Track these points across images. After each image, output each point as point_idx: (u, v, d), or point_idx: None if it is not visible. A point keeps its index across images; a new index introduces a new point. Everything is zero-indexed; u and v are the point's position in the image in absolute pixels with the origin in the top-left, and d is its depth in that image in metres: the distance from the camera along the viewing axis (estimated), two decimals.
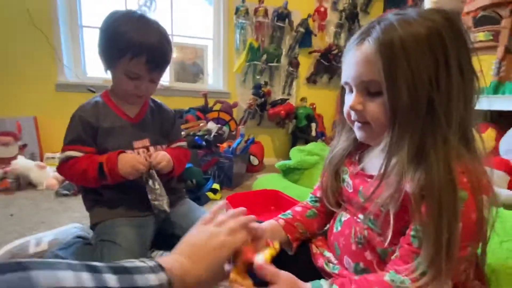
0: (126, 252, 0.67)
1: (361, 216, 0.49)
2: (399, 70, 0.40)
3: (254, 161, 1.91)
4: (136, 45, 0.70)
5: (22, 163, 1.40)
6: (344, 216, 0.53)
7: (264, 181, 1.51)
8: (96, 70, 1.92)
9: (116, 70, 0.75)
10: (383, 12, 2.20)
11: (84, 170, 0.70)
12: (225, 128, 1.72)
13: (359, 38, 0.45)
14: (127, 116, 0.80)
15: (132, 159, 0.72)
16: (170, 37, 0.80)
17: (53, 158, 1.65)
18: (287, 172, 1.49)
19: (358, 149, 0.54)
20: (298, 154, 1.47)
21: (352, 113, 0.47)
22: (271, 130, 2.19)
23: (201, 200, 1.28)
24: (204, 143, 1.54)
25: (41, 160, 1.66)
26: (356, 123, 0.48)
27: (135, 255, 0.68)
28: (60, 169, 0.73)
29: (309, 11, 2.06)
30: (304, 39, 2.07)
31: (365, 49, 0.43)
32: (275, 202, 1.25)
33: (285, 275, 0.41)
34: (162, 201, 0.76)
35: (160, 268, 0.35)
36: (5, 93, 1.67)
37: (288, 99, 2.07)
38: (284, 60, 2.08)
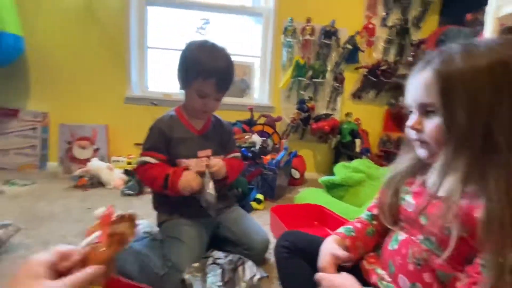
0: (189, 248, 0.75)
1: (420, 236, 0.49)
2: (455, 96, 0.43)
3: (296, 174, 1.93)
4: (207, 69, 0.81)
5: (96, 164, 1.63)
6: (401, 235, 0.53)
7: (307, 195, 1.52)
8: (156, 86, 2.17)
9: (189, 90, 0.87)
10: (438, 27, 2.12)
11: (154, 177, 0.81)
12: (269, 141, 1.79)
13: (422, 66, 0.49)
14: (194, 129, 0.91)
15: (190, 178, 0.81)
16: None
17: (118, 161, 1.88)
18: (330, 188, 1.48)
19: (423, 169, 0.55)
20: (343, 171, 1.46)
21: (412, 132, 0.52)
22: (313, 145, 2.20)
23: (245, 208, 1.35)
24: (249, 154, 1.62)
25: (109, 162, 1.90)
26: (416, 142, 0.52)
27: (196, 252, 0.76)
28: (137, 170, 0.87)
29: (357, 28, 2.07)
30: (351, 55, 2.07)
31: (426, 74, 0.47)
32: (318, 217, 1.26)
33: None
34: (210, 208, 0.84)
35: None
36: (85, 104, 1.97)
37: (332, 114, 2.07)
38: (329, 76, 2.10)
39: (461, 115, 0.42)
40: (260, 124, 1.97)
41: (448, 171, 0.45)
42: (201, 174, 0.84)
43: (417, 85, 0.49)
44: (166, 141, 0.86)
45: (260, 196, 1.49)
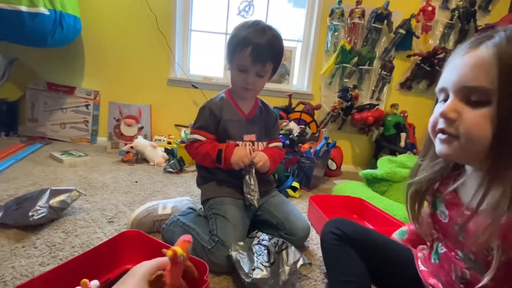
0: (234, 227, 0.77)
1: (460, 253, 0.44)
2: None
3: (332, 165, 1.87)
4: (242, 39, 0.81)
5: (141, 142, 1.72)
6: (441, 248, 0.48)
7: (345, 187, 1.47)
8: (197, 69, 2.21)
9: (232, 66, 0.87)
10: (510, 11, 1.84)
11: (206, 153, 0.84)
12: (308, 130, 1.74)
13: (475, 42, 0.39)
14: (242, 112, 0.91)
15: (241, 153, 0.83)
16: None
17: (159, 140, 1.97)
18: (372, 182, 1.41)
19: (453, 173, 0.47)
20: (387, 165, 1.38)
21: (441, 121, 0.41)
22: (352, 136, 2.11)
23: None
24: (287, 142, 1.59)
25: (151, 141, 2.01)
26: (440, 134, 0.42)
27: (240, 232, 0.78)
28: (187, 146, 0.89)
29: (413, 10, 1.88)
30: (403, 41, 1.90)
31: (480, 52, 0.37)
32: (359, 210, 1.21)
33: None
34: (253, 196, 0.84)
35: None
36: (132, 84, 2.08)
37: (377, 104, 1.95)
38: (376, 64, 1.96)
39: None
40: (298, 111, 1.92)
41: (494, 182, 0.36)
42: (246, 167, 0.85)
43: (465, 65, 0.39)
44: (216, 122, 0.88)
45: (296, 184, 1.47)
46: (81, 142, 2.05)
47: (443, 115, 0.40)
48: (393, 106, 1.97)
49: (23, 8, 1.41)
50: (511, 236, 0.35)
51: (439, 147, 0.43)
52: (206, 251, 0.73)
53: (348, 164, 2.14)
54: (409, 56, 1.94)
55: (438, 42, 1.93)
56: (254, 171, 0.85)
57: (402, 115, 1.97)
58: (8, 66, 1.93)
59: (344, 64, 1.91)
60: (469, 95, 0.38)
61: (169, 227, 0.84)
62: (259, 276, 0.62)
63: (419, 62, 1.92)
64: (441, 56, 1.87)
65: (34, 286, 0.53)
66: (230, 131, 0.87)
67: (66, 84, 2.04)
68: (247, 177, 0.84)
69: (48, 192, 0.90)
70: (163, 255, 0.53)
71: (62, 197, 0.90)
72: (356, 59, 1.92)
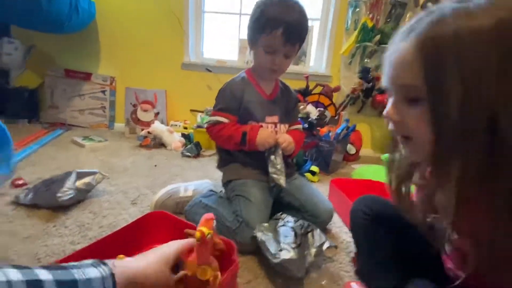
0: (257, 209, 0.76)
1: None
2: (447, 73, 0.29)
3: (351, 150, 1.82)
4: (273, 19, 0.76)
5: (158, 127, 1.73)
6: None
7: (366, 171, 1.43)
8: (211, 52, 2.16)
9: (257, 47, 0.83)
10: None
11: (230, 135, 0.82)
12: (327, 113, 1.68)
13: (403, 35, 0.35)
14: (264, 93, 0.88)
15: (266, 135, 0.81)
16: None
17: (175, 125, 1.98)
18: None
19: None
20: None
21: (390, 125, 0.39)
22: (372, 119, 2.03)
23: None
24: (306, 125, 1.55)
25: (167, 126, 2.01)
26: (397, 136, 0.39)
27: (263, 213, 0.77)
28: (209, 129, 0.87)
29: None
30: None
31: (403, 46, 0.33)
32: (381, 194, 1.17)
33: None
34: (280, 177, 0.82)
35: (101, 262, 0.37)
36: (147, 69, 2.07)
37: None
38: None
39: (455, 102, 0.29)
40: (315, 94, 1.86)
41: (439, 183, 0.33)
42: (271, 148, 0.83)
43: (395, 61, 0.35)
44: (237, 103, 0.85)
45: (315, 168, 1.44)
46: (99, 128, 2.09)
47: (386, 117, 0.38)
48: None
49: None
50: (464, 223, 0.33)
51: (404, 150, 0.41)
52: (231, 231, 0.73)
53: (367, 148, 2.08)
54: None
55: None
56: (280, 151, 0.83)
57: None
58: (26, 53, 1.96)
59: (366, 43, 1.80)
60: (405, 93, 0.35)
61: (192, 208, 0.84)
62: (287, 257, 0.61)
63: None
64: None
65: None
66: (252, 113, 0.85)
67: (82, 70, 2.06)
68: (272, 157, 0.82)
69: (74, 174, 0.92)
70: (186, 236, 0.53)
71: (87, 179, 0.92)
72: (378, 37, 1.81)
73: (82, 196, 0.91)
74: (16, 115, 1.97)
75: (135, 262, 0.42)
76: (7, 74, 1.94)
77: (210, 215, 0.54)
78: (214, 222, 0.53)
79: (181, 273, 0.47)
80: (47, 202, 0.85)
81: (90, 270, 0.34)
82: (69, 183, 0.88)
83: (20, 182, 1.01)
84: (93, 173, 0.94)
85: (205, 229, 0.49)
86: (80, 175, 0.93)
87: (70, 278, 0.31)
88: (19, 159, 1.26)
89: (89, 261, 0.36)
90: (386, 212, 0.59)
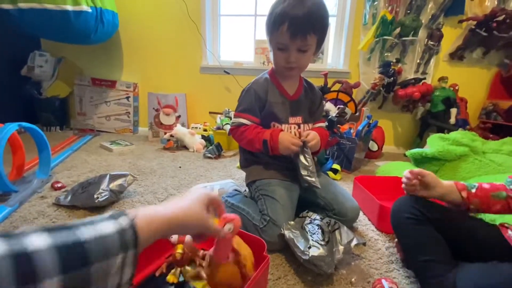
0: (282, 207, 0.77)
1: None
2: None
3: (373, 146, 1.78)
4: (280, 15, 0.75)
5: (180, 130, 1.79)
6: None
7: (390, 168, 1.39)
8: (227, 55, 2.19)
9: (272, 47, 0.83)
10: None
11: (251, 140, 0.83)
12: (348, 110, 1.66)
13: None
14: (287, 94, 0.88)
15: (287, 141, 0.80)
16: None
17: (196, 128, 2.03)
18: (420, 162, 1.32)
19: None
20: (439, 143, 1.27)
21: None
22: (393, 115, 1.97)
23: None
24: (326, 123, 1.53)
25: (188, 128, 2.07)
26: None
27: (289, 212, 0.77)
28: (232, 131, 0.88)
29: None
30: (454, 5, 1.70)
31: None
32: None
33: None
34: (314, 177, 0.80)
35: (121, 213, 0.32)
36: (167, 74, 2.14)
37: (423, 78, 1.79)
38: (422, 33, 1.78)
39: None
40: (334, 91, 1.84)
41: None
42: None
43: None
44: (261, 104, 0.86)
45: (337, 166, 1.43)
46: (124, 133, 2.19)
47: None
48: (442, 79, 1.79)
49: (69, 7, 1.50)
50: None
51: None
52: (258, 229, 0.74)
53: (390, 145, 2.03)
54: (461, 22, 1.73)
55: (496, 2, 1.69)
56: (309, 151, 0.81)
57: (452, 88, 1.79)
58: (56, 65, 2.10)
59: (385, 37, 1.76)
60: None
61: None
62: (316, 254, 0.61)
63: (473, 27, 1.71)
64: (500, 18, 1.63)
65: None
66: (276, 114, 0.85)
67: (108, 78, 2.17)
68: (302, 158, 0.80)
69: (107, 177, 0.97)
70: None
71: (119, 181, 0.97)
72: (398, 30, 1.76)
73: (115, 197, 0.97)
74: (49, 123, 2.11)
75: (162, 208, 0.36)
76: (39, 86, 2.08)
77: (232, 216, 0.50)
78: (231, 226, 0.48)
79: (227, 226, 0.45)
80: (85, 203, 0.91)
81: (104, 225, 0.29)
82: (103, 185, 0.94)
83: (59, 185, 1.08)
84: (125, 175, 0.99)
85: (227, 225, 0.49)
86: (113, 177, 0.98)
87: (74, 239, 0.26)
88: (55, 164, 1.35)
89: (108, 214, 0.31)
90: (434, 212, 0.62)
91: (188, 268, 0.60)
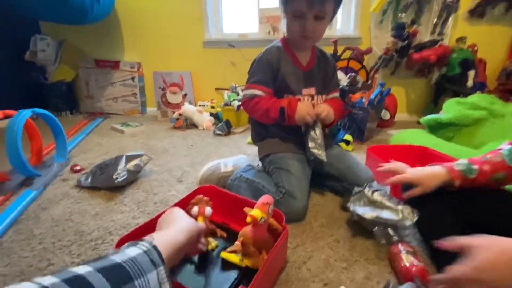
0: (297, 180, 0.78)
1: None
2: None
3: (386, 115, 1.74)
4: None
5: (188, 108, 1.78)
6: None
7: (404, 136, 1.37)
8: (231, 27, 2.10)
9: (287, 15, 0.79)
10: None
11: (267, 109, 0.81)
12: (359, 78, 1.60)
13: None
14: (301, 64, 0.85)
15: (304, 111, 0.79)
16: None
17: (203, 105, 2.01)
18: (436, 128, 1.29)
19: None
20: (456, 108, 1.23)
21: None
22: (406, 81, 1.90)
23: None
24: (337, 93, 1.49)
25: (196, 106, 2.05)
26: None
27: (304, 183, 0.78)
28: (245, 103, 0.86)
29: None
30: None
31: None
32: (422, 159, 1.13)
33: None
34: (321, 151, 0.81)
35: (138, 240, 0.36)
36: (170, 51, 2.08)
37: (440, 40, 1.68)
38: None
39: None
40: (344, 59, 1.76)
41: None
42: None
43: None
44: (274, 74, 0.83)
45: (348, 137, 1.41)
46: (133, 114, 2.20)
47: None
48: (460, 40, 1.68)
49: None
50: None
51: None
52: (275, 201, 0.75)
53: (402, 113, 1.98)
54: None
55: None
56: (319, 125, 0.82)
57: (470, 49, 1.68)
58: (58, 48, 2.06)
59: None
60: None
61: (234, 182, 0.88)
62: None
63: None
64: None
65: (137, 234, 0.61)
66: (289, 85, 0.83)
67: (111, 59, 2.13)
68: (312, 132, 0.81)
69: (124, 158, 0.99)
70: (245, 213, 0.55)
71: (136, 161, 0.99)
72: None
73: (133, 177, 1.00)
74: (58, 108, 2.13)
75: (167, 230, 0.44)
76: (44, 71, 2.07)
77: (267, 199, 0.54)
78: (271, 207, 0.54)
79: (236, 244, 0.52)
80: (105, 183, 0.94)
81: (129, 250, 0.33)
82: (121, 166, 0.96)
83: (78, 167, 1.12)
84: (140, 156, 1.01)
85: (258, 213, 0.51)
86: (129, 158, 1.00)
87: (112, 263, 0.30)
88: (71, 147, 1.39)
89: (125, 245, 0.36)
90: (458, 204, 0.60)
91: (210, 239, 0.63)
